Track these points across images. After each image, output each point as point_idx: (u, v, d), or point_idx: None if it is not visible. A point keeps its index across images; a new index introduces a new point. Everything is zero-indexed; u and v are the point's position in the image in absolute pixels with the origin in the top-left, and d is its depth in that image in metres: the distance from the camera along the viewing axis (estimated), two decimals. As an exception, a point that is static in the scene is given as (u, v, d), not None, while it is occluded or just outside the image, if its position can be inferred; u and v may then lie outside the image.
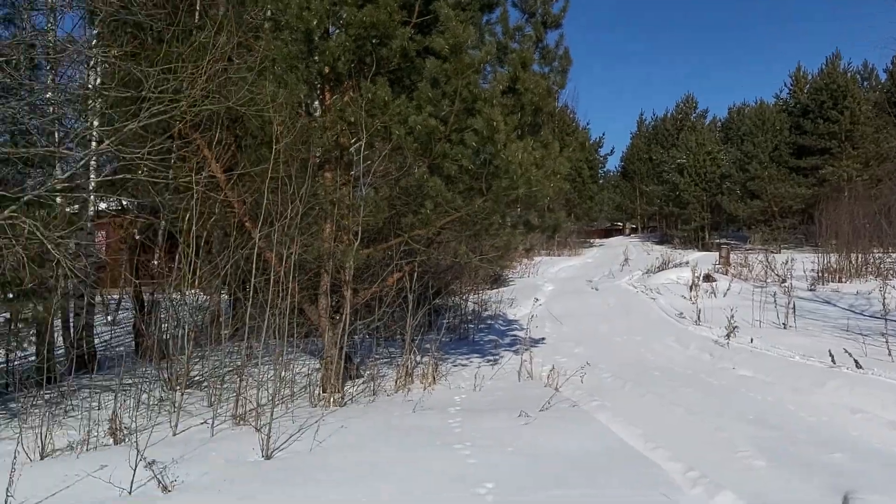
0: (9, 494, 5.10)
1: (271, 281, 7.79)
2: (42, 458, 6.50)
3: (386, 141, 8.54)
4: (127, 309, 15.60)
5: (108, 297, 15.38)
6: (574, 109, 47.97)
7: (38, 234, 6.46)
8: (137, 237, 12.10)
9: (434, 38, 8.28)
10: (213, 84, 7.79)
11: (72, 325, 11.24)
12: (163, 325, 11.29)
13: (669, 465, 6.10)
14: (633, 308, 17.97)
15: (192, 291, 10.28)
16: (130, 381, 9.05)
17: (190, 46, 7.73)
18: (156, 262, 11.58)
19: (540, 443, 6.81)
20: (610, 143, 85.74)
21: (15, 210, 7.37)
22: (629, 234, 60.11)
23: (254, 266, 8.02)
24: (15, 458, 5.48)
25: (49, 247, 7.19)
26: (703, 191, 45.47)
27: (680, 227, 48.46)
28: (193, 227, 8.27)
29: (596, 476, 5.82)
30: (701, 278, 20.14)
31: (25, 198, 7.43)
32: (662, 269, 25.27)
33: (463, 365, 11.06)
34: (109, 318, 15.47)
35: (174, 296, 10.68)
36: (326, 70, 8.92)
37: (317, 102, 9.74)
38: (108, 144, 7.33)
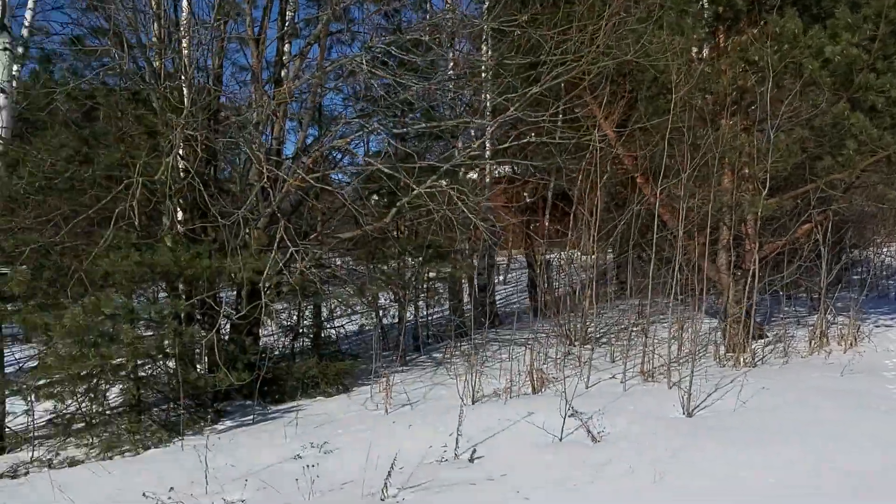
0: (459, 434, 5.66)
1: (681, 237, 7.58)
2: (473, 403, 7.11)
3: (795, 78, 7.75)
4: (516, 269, 16.59)
5: (501, 258, 16.46)
6: None
7: (464, 200, 7.02)
8: (528, 200, 12.70)
9: (851, -43, 7.29)
10: (609, 39, 7.73)
11: (476, 283, 12.20)
12: (555, 284, 11.77)
13: None
14: None
15: (579, 251, 10.51)
16: (532, 336, 9.55)
17: (585, 5, 7.75)
18: (546, 224, 12.07)
19: None
20: None
21: (435, 179, 8.15)
22: None
23: (655, 222, 7.88)
24: (462, 402, 6.07)
25: (465, 210, 7.81)
26: None
27: None
28: (597, 186, 8.37)
29: None
30: None
31: (444, 167, 8.16)
32: None
33: (887, 326, 9.75)
34: (501, 277, 16.58)
35: (566, 255, 11.04)
36: (721, 10, 8.37)
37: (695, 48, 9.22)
38: (514, 110, 7.70)
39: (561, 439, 5.79)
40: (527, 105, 8.06)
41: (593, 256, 10.86)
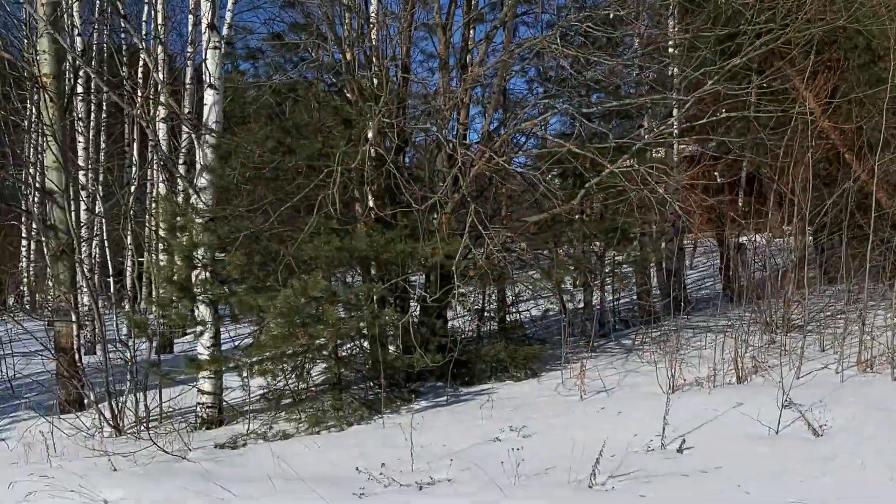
0: (665, 423, 5.44)
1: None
2: (673, 392, 6.80)
3: None
4: (703, 253, 15.83)
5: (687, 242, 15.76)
6: None
7: (663, 180, 6.74)
8: (721, 180, 12.01)
9: None
10: (817, 4, 7.14)
11: (665, 267, 11.74)
12: (751, 268, 11.07)
13: None
14: None
15: (781, 232, 9.83)
16: (728, 323, 9.04)
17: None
18: (740, 204, 11.38)
19: None
20: None
21: (626, 158, 7.90)
22: None
23: (873, 200, 7.20)
24: (667, 392, 5.82)
25: (660, 191, 7.51)
26: None
27: None
28: (808, 163, 7.76)
29: None
30: None
31: (637, 146, 7.87)
32: None
33: None
34: (688, 262, 15.88)
35: (765, 237, 10.37)
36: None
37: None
38: (712, 84, 7.29)
39: (777, 431, 5.42)
40: (724, 79, 7.61)
41: (798, 238, 10.12)
